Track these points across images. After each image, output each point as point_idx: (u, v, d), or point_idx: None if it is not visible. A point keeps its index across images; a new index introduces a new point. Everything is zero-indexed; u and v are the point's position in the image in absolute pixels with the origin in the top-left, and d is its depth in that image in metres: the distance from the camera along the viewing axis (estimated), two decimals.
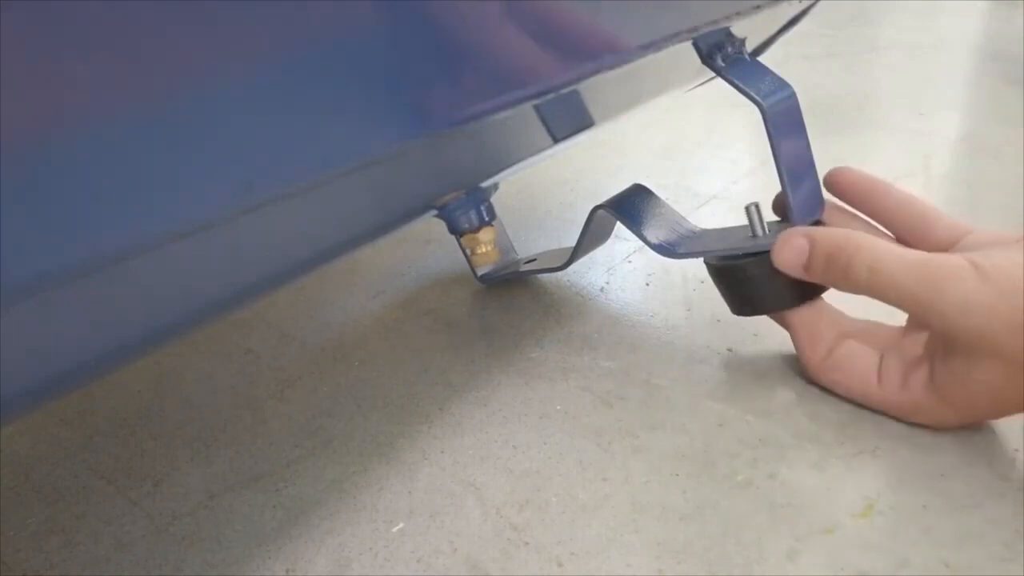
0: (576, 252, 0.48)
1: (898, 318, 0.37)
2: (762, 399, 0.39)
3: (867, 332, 0.38)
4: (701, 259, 0.41)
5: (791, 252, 0.36)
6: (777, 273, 0.37)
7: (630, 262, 0.55)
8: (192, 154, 0.18)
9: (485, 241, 0.47)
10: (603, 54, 0.28)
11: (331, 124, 0.21)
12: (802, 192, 0.38)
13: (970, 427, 0.35)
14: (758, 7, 0.37)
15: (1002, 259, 0.31)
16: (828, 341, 0.38)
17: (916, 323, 0.38)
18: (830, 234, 0.36)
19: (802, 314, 0.38)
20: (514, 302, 0.51)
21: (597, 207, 0.45)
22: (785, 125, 0.37)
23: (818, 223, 0.39)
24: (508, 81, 0.25)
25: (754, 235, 0.39)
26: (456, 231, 0.47)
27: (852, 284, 0.34)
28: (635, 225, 0.42)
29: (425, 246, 0.60)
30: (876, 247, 0.34)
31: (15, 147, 0.14)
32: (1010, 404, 0.33)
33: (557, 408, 0.40)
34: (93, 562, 0.33)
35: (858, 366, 0.37)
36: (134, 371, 0.46)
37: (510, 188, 0.67)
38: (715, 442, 0.36)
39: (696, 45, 0.36)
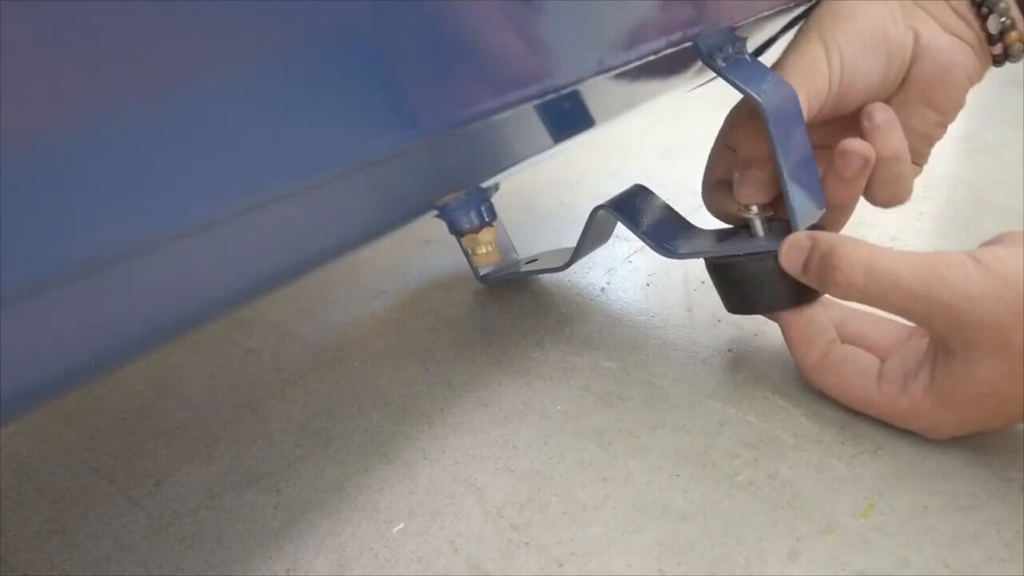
0: (577, 252, 0.48)
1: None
2: (763, 399, 0.39)
3: (870, 335, 0.38)
4: (701, 259, 0.41)
5: (796, 252, 0.36)
6: (774, 273, 0.37)
7: (631, 262, 0.55)
8: (192, 153, 0.18)
9: (486, 241, 0.47)
10: (603, 55, 0.28)
11: (331, 124, 0.21)
12: (803, 192, 0.38)
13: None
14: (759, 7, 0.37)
15: (1004, 252, 0.31)
16: (823, 344, 0.37)
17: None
18: (831, 234, 0.36)
19: (798, 314, 0.38)
20: (515, 302, 0.51)
21: (598, 207, 0.45)
22: (786, 125, 0.37)
23: (817, 227, 0.39)
24: (509, 81, 0.25)
25: (755, 235, 0.39)
26: (457, 231, 0.47)
27: (847, 285, 0.34)
28: (636, 225, 0.42)
29: (425, 246, 0.60)
30: (873, 247, 0.34)
31: (16, 146, 0.14)
32: (1011, 409, 0.32)
33: (558, 408, 0.40)
34: (94, 562, 0.33)
35: (854, 370, 0.36)
36: (134, 371, 0.46)
37: (510, 188, 0.67)
38: (716, 442, 0.36)
39: (697, 46, 0.36)
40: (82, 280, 0.17)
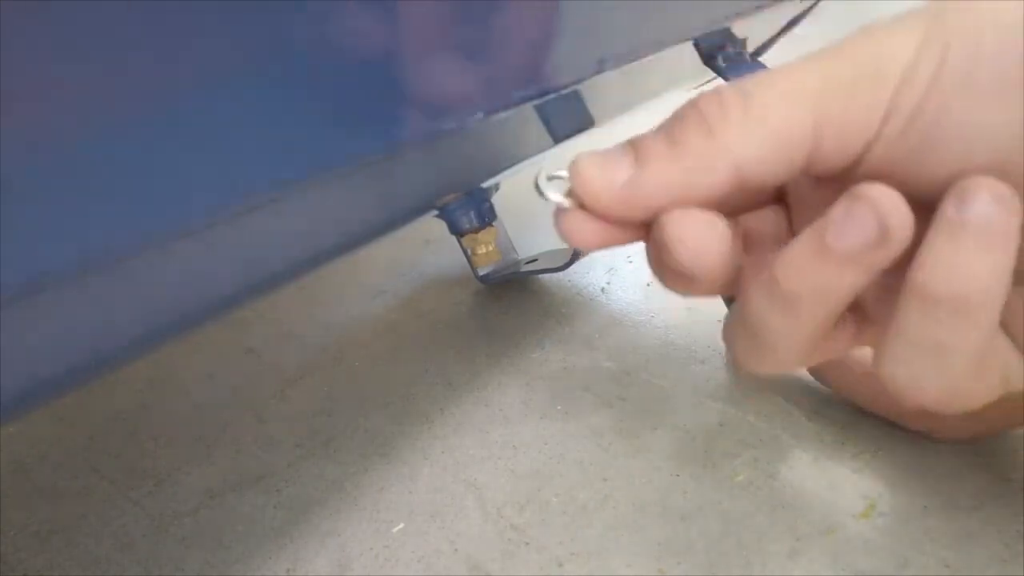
0: (577, 252, 0.48)
1: None
2: (763, 399, 0.39)
3: None
4: None
5: None
6: None
7: (631, 262, 0.55)
8: (192, 154, 0.18)
9: (486, 241, 0.48)
10: (603, 55, 0.28)
11: (331, 125, 0.21)
12: None
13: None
14: (759, 7, 0.37)
15: None
16: None
17: None
18: None
19: None
20: (515, 302, 0.51)
21: None
22: None
23: None
24: (509, 82, 0.25)
25: None
26: (457, 231, 0.47)
27: None
28: None
29: (425, 246, 0.60)
30: None
31: (16, 146, 0.14)
32: (1016, 413, 0.32)
33: (558, 408, 0.40)
34: (94, 562, 0.33)
35: (863, 370, 0.36)
36: (134, 371, 0.46)
37: (510, 188, 0.67)
38: (716, 442, 0.36)
39: (697, 46, 0.36)
40: (82, 280, 0.17)
